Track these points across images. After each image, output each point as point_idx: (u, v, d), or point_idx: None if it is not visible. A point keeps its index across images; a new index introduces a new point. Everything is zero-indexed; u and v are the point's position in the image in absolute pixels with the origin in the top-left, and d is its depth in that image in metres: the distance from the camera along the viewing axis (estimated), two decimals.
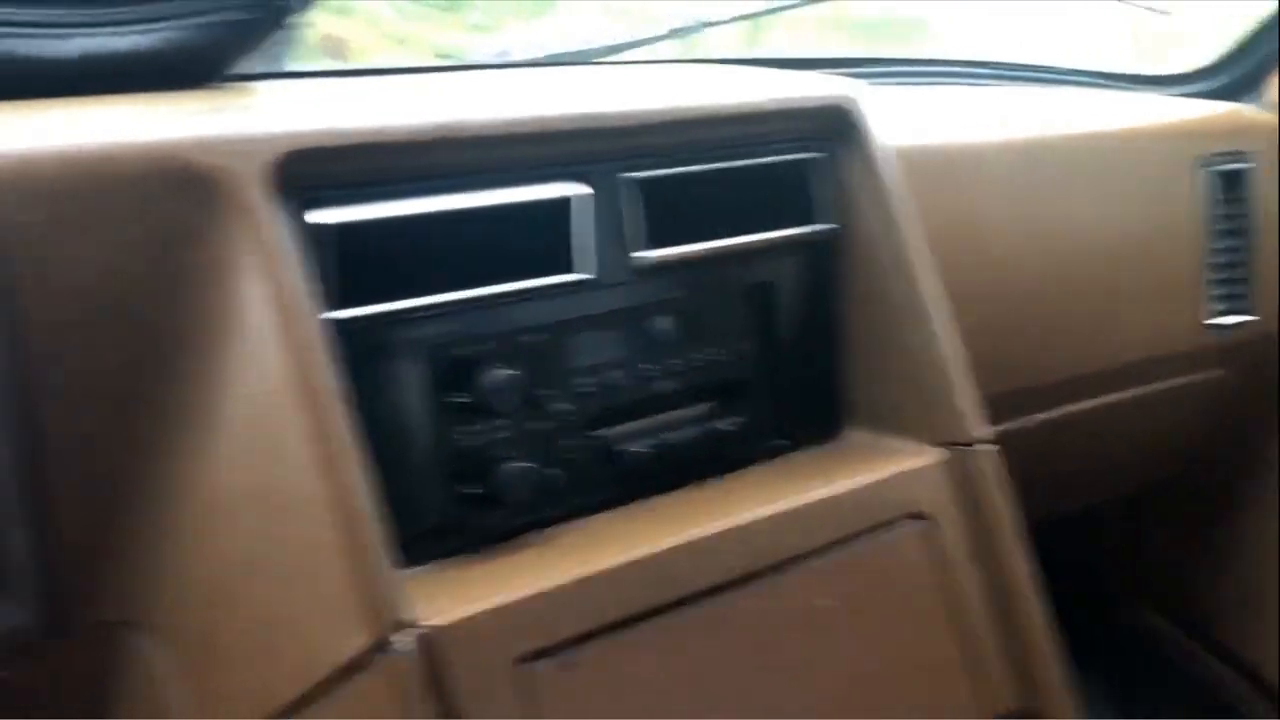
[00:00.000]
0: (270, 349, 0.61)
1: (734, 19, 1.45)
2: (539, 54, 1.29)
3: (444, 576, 0.68)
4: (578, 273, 0.76)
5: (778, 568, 0.75)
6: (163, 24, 0.75)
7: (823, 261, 0.89)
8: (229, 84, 0.82)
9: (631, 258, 0.78)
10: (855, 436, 0.90)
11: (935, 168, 1.06)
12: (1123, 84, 1.55)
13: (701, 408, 0.85)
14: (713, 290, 0.84)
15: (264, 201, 0.63)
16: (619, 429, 0.80)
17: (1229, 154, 1.32)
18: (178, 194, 0.61)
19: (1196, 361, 1.36)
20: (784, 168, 0.86)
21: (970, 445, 0.84)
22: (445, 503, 0.72)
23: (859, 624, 0.77)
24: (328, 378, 0.62)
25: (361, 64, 1.14)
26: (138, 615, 0.63)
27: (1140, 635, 1.67)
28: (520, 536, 0.74)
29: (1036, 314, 1.18)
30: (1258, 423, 1.47)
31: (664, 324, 0.82)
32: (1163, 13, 1.51)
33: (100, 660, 0.64)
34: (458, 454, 0.72)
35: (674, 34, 1.45)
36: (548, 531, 0.75)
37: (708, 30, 1.45)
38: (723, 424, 0.84)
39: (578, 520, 0.76)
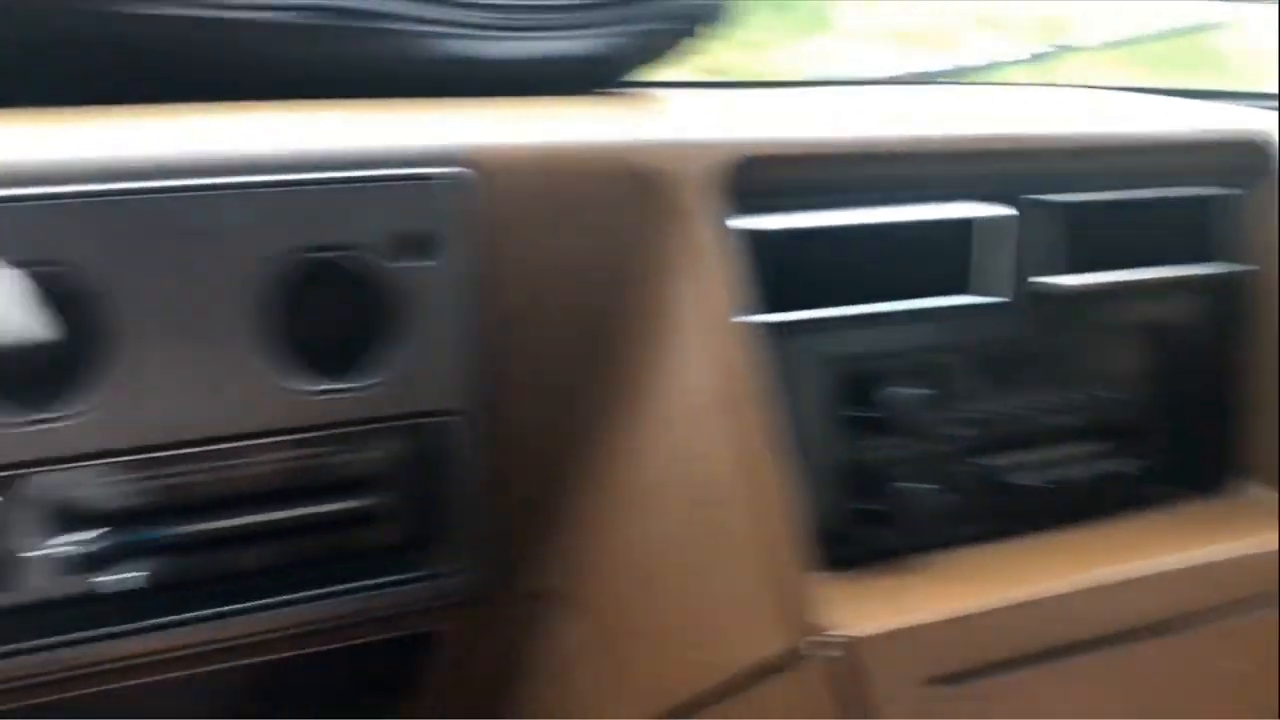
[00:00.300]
0: (702, 348, 0.63)
1: (1101, 46, 1.40)
2: (892, 73, 1.28)
3: (846, 587, 0.68)
4: (984, 295, 0.74)
5: (1170, 624, 0.70)
6: (588, 31, 0.78)
7: (1234, 304, 0.83)
8: (629, 90, 0.86)
9: (1039, 284, 0.76)
10: (1252, 493, 0.83)
11: None
12: None
13: (1093, 446, 0.81)
14: (1113, 324, 0.81)
15: (701, 206, 0.64)
16: (1010, 458, 0.78)
17: None
18: (629, 194, 0.64)
19: None
20: (1194, 202, 0.82)
21: None
22: (841, 515, 0.71)
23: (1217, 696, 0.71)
24: (754, 380, 0.63)
25: (719, 78, 1.16)
26: (564, 588, 0.65)
27: None
28: (917, 556, 0.72)
29: None
30: None
31: (1063, 355, 0.79)
32: None
33: (525, 626, 0.67)
34: (856, 468, 0.72)
35: (1035, 59, 1.42)
36: (943, 555, 0.73)
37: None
38: (1113, 465, 0.80)
39: (969, 547, 0.74)
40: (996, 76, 1.34)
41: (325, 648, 0.62)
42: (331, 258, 0.57)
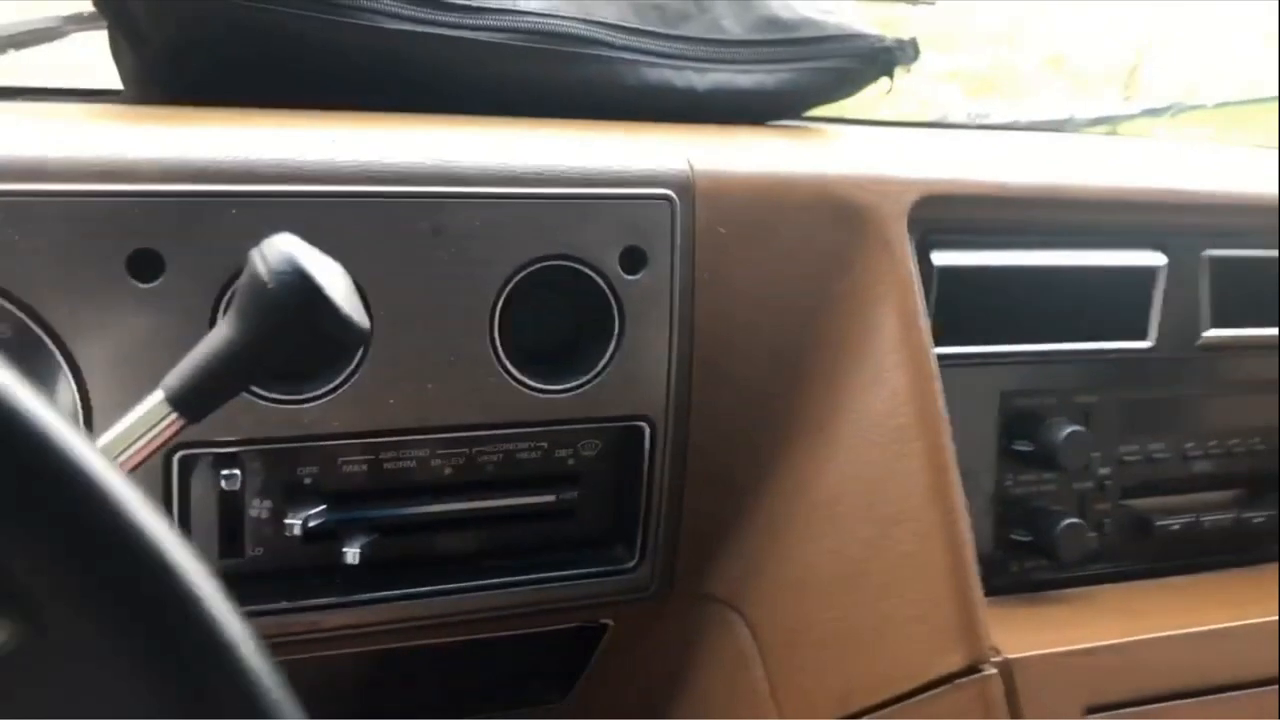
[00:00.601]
0: (896, 374, 0.66)
1: (1216, 106, 1.42)
2: (1019, 119, 1.31)
3: (1006, 612, 0.70)
4: (1145, 341, 0.77)
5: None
6: (783, 66, 0.82)
7: None
8: (807, 123, 0.89)
9: (1197, 333, 0.79)
10: None
11: None
12: None
13: (1231, 494, 0.83)
14: (1261, 377, 0.83)
15: (902, 238, 0.68)
16: (1153, 501, 0.80)
17: None
18: (834, 224, 0.67)
19: None
20: None
21: None
22: (996, 543, 0.74)
23: None
24: (942, 408, 0.66)
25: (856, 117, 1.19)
26: (738, 596, 0.69)
27: None
28: (1063, 590, 0.75)
29: None
30: None
31: (1213, 405, 0.82)
32: None
33: (697, 628, 0.70)
34: (1015, 500, 0.75)
35: (1146, 113, 1.45)
36: (1087, 589, 0.76)
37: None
38: (1252, 514, 0.82)
39: (1114, 584, 0.77)
40: (1116, 128, 1.36)
41: (516, 632, 0.66)
42: (561, 266, 0.61)
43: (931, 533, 0.64)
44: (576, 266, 0.61)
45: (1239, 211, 0.80)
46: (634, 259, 0.62)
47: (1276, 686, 0.71)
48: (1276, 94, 1.36)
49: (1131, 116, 1.41)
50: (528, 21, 0.76)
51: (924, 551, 0.64)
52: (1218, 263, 0.79)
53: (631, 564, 0.66)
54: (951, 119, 1.34)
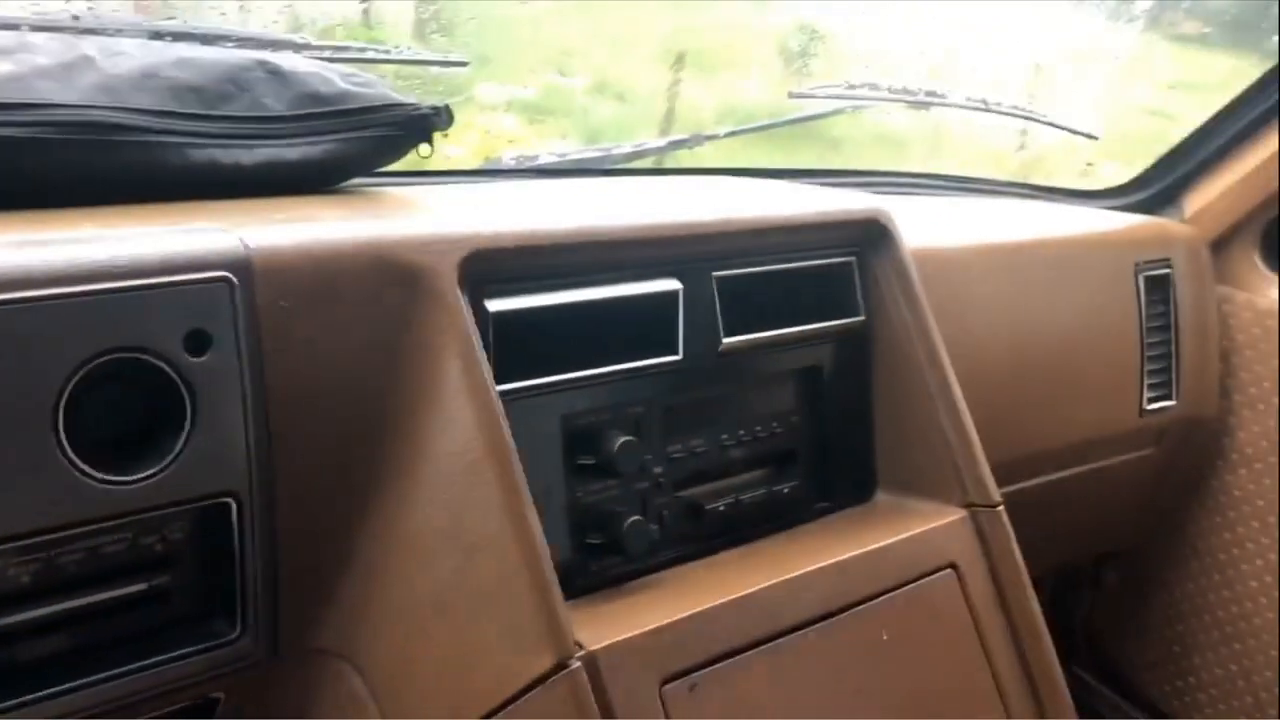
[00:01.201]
0: (464, 414, 0.73)
1: (727, 135, 1.63)
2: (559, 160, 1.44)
3: (586, 610, 0.80)
4: (676, 355, 0.90)
5: (850, 606, 0.88)
6: (328, 138, 0.87)
7: (857, 348, 1.04)
8: (364, 187, 0.95)
9: (716, 342, 0.93)
10: (885, 499, 1.04)
11: (922, 266, 1.23)
12: (1061, 197, 1.76)
13: (762, 472, 0.99)
14: (773, 372, 0.99)
15: (455, 293, 0.75)
16: (700, 489, 0.93)
17: (1157, 261, 1.53)
18: (393, 285, 0.73)
19: (1133, 442, 1.55)
20: (830, 269, 1.02)
21: (993, 506, 0.99)
22: (574, 549, 0.84)
23: (914, 654, 0.91)
24: (508, 438, 0.74)
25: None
26: (346, 645, 0.73)
27: (1073, 691, 1.84)
28: (635, 580, 0.86)
29: (1004, 396, 1.35)
30: (1176, 500, 1.66)
31: (737, 400, 0.96)
32: (1091, 137, 1.73)
33: (308, 684, 0.73)
34: (586, 509, 0.84)
35: (672, 145, 1.63)
36: (656, 576, 0.87)
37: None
38: (780, 486, 0.98)
39: (678, 566, 0.89)
40: (644, 163, 1.52)
41: None
42: (118, 359, 0.63)
43: (511, 552, 0.72)
44: (139, 356, 0.63)
45: (738, 236, 0.94)
46: (199, 342, 0.65)
47: (812, 627, 0.86)
48: (769, 124, 1.58)
49: (661, 149, 1.59)
50: (61, 114, 0.76)
51: (506, 570, 0.72)
52: (724, 281, 0.93)
53: (233, 635, 0.69)
54: (503, 162, 1.45)
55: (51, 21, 0.94)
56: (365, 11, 2.09)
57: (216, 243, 0.67)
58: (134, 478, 0.64)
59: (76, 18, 0.96)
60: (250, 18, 1.42)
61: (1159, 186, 1.68)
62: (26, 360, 0.60)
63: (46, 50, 0.80)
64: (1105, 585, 1.80)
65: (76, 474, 0.62)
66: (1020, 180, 1.72)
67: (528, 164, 1.41)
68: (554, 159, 1.45)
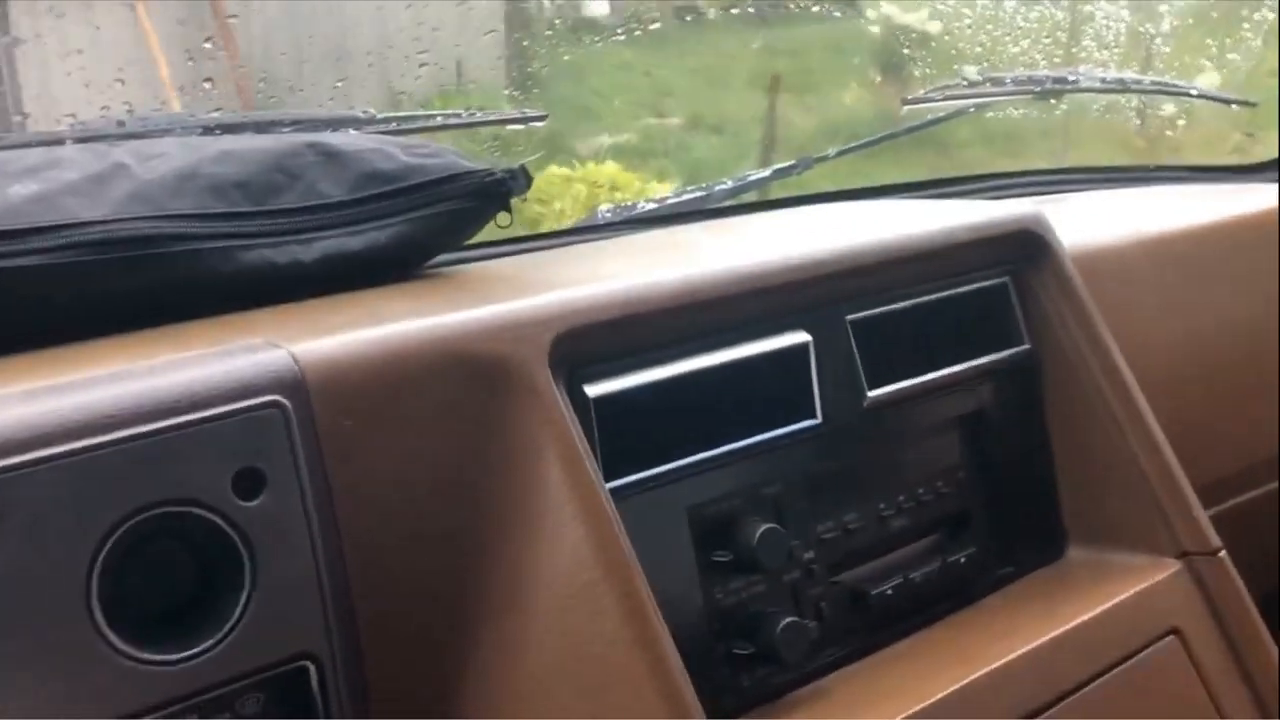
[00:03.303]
0: (572, 526, 0.62)
1: (838, 154, 1.49)
2: (658, 206, 1.32)
3: None
4: (814, 418, 0.77)
5: (1056, 701, 0.73)
6: (394, 220, 0.77)
7: (1026, 383, 0.89)
8: (438, 270, 0.85)
9: (860, 397, 0.79)
10: (1080, 555, 0.89)
11: (1082, 270, 1.07)
12: (1214, 176, 1.57)
13: (931, 541, 0.84)
14: (930, 424, 0.85)
15: (548, 381, 0.64)
16: (861, 571, 0.80)
17: None
18: (471, 382, 0.62)
19: None
20: (982, 294, 0.87)
21: (1214, 553, 0.83)
22: (719, 663, 0.71)
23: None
24: (627, 549, 0.62)
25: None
26: None
27: None
28: (795, 691, 0.73)
29: (1197, 410, 1.17)
30: None
31: (892, 462, 0.82)
32: (1250, 104, 1.55)
33: None
34: (724, 612, 0.72)
35: (777, 174, 1.50)
36: (819, 684, 0.74)
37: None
38: (955, 556, 0.83)
39: (842, 669, 0.75)
40: (748, 196, 1.40)
41: None
42: (154, 517, 0.53)
43: (644, 689, 0.60)
44: (182, 509, 0.53)
45: (870, 270, 0.81)
46: (251, 482, 0.55)
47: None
48: (884, 136, 1.44)
49: (766, 180, 1.46)
50: (92, 233, 0.67)
51: (642, 707, 0.60)
52: (860, 325, 0.80)
53: None
54: (598, 218, 1.34)
55: (96, 132, 0.87)
56: (458, 74, 2.03)
57: (261, 361, 0.57)
58: (189, 653, 0.54)
59: (121, 123, 0.88)
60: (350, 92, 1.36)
61: None
62: (44, 532, 0.50)
63: (76, 163, 0.71)
64: None
65: (121, 658, 0.52)
66: (1171, 164, 1.55)
67: (624, 215, 1.30)
68: (652, 206, 1.33)
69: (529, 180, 0.79)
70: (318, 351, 0.59)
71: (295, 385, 0.57)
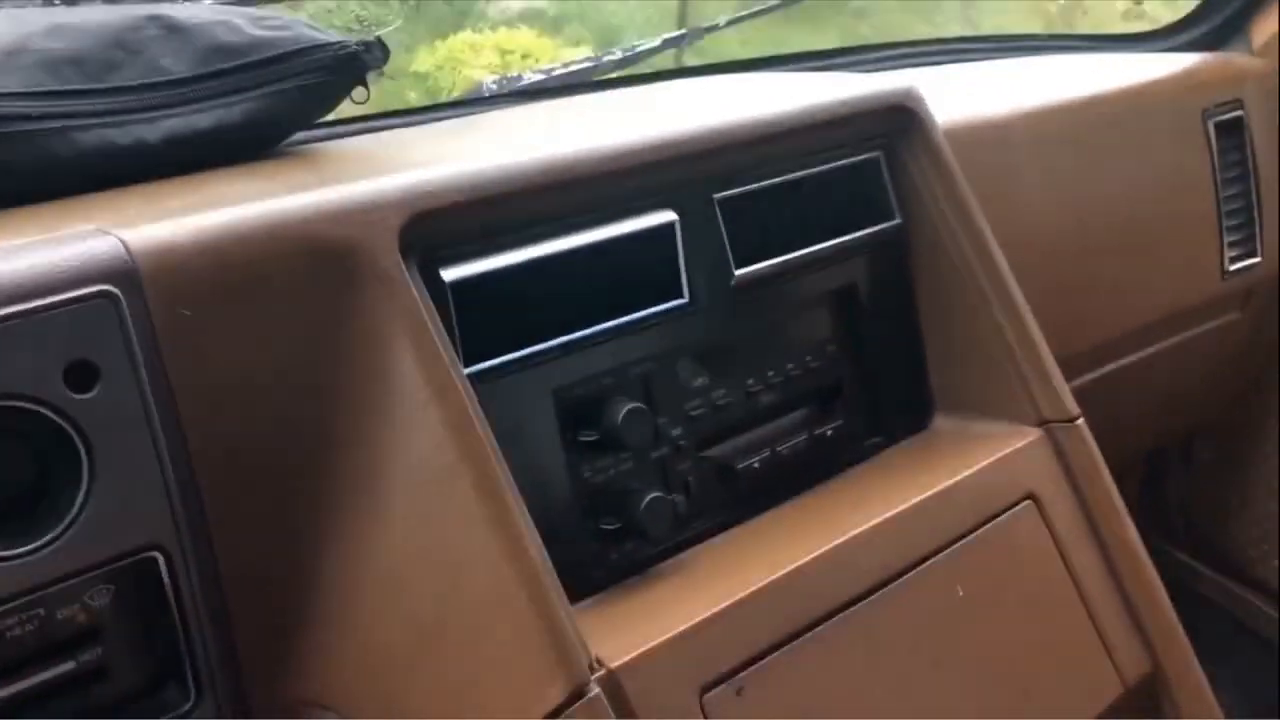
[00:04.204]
0: (428, 412, 0.61)
1: (728, 24, 1.46)
2: (544, 78, 1.29)
3: (604, 611, 0.68)
4: (682, 298, 0.77)
5: (915, 564, 0.76)
6: (242, 95, 0.74)
7: (896, 258, 0.90)
8: (295, 149, 0.82)
9: (728, 276, 0.79)
10: (946, 424, 0.91)
11: (963, 144, 1.07)
12: (1108, 46, 1.58)
13: (800, 415, 0.86)
14: (799, 300, 0.85)
15: (399, 266, 0.62)
16: (729, 445, 0.81)
17: (1228, 103, 1.35)
18: (318, 269, 0.61)
19: (1217, 308, 1.39)
20: (854, 169, 0.87)
21: (1071, 421, 0.86)
22: (586, 539, 0.72)
23: (996, 608, 0.78)
24: (485, 434, 0.62)
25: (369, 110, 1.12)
26: (321, 694, 0.62)
27: (1173, 575, 1.71)
28: (661, 564, 0.74)
29: (1069, 280, 1.20)
30: (1270, 365, 1.51)
31: (761, 339, 0.83)
32: None
33: None
34: (593, 492, 0.72)
35: (666, 44, 1.47)
36: (684, 556, 0.75)
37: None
38: (824, 429, 0.85)
39: (709, 541, 0.77)
40: (636, 68, 1.37)
41: None
42: None
43: (501, 568, 0.60)
44: (10, 404, 0.52)
45: (737, 148, 0.80)
46: (84, 375, 0.54)
47: (875, 594, 0.74)
48: (768, 7, 1.41)
49: (655, 50, 1.43)
50: None
51: (499, 590, 0.61)
52: (728, 203, 0.79)
53: (188, 705, 0.58)
54: (482, 90, 1.30)
55: None
56: None
57: (90, 249, 0.55)
58: (28, 548, 0.53)
59: None
60: None
61: (1221, 17, 1.49)
62: None
63: None
64: (1199, 463, 1.66)
65: None
66: (1062, 32, 1.54)
67: (509, 88, 1.26)
68: (539, 78, 1.30)
69: (386, 53, 0.77)
70: (151, 238, 0.57)
71: (127, 274, 0.55)
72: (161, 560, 0.56)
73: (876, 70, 1.35)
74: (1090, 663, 0.81)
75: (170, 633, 0.58)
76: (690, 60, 1.58)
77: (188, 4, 0.79)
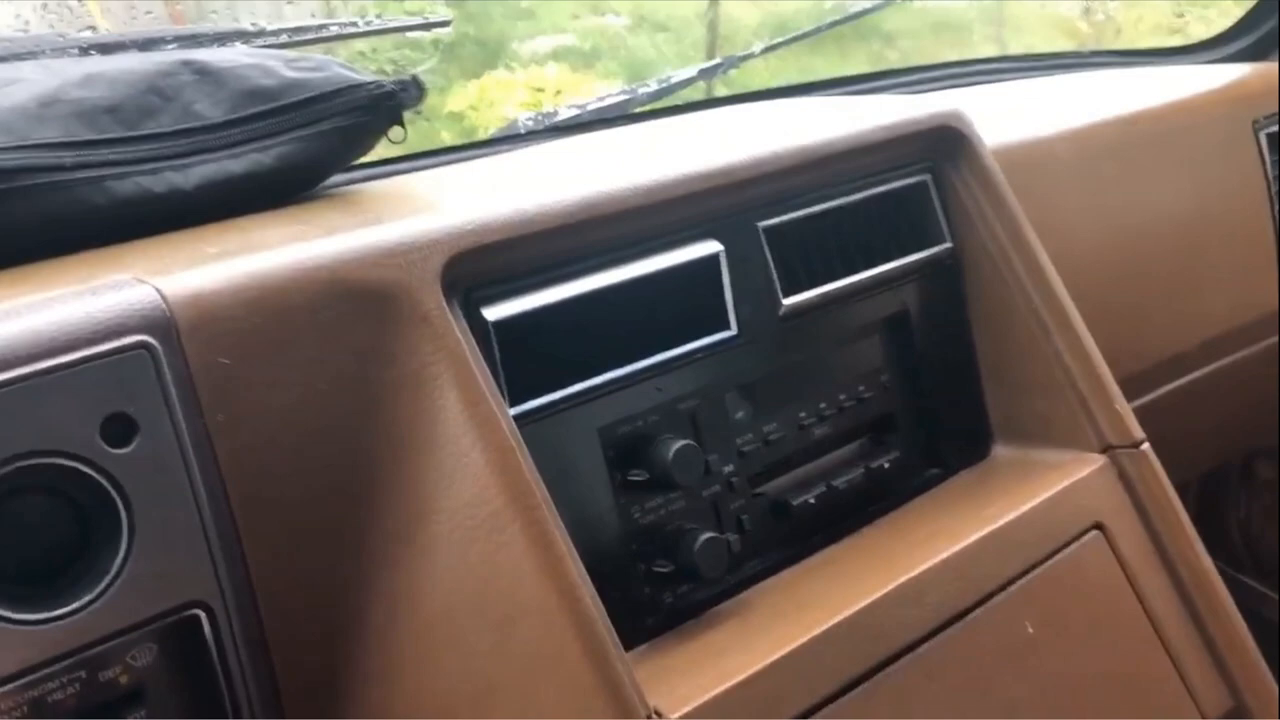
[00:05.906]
0: (473, 455, 0.59)
1: (763, 52, 1.45)
2: (579, 112, 1.28)
3: (660, 659, 0.66)
4: (729, 330, 0.74)
5: (981, 601, 0.73)
6: (279, 139, 0.73)
7: (948, 283, 0.87)
8: (330, 192, 0.81)
9: (775, 306, 0.77)
10: (1006, 453, 0.88)
11: (1008, 164, 1.04)
12: (1150, 60, 1.55)
13: (854, 447, 0.83)
14: (850, 329, 0.83)
15: (441, 307, 0.61)
16: (782, 481, 0.78)
17: (1278, 114, 1.32)
18: (359, 312, 0.59)
19: (1274, 325, 1.35)
20: (902, 193, 0.85)
21: (1136, 447, 0.82)
22: (638, 582, 0.70)
23: (1068, 644, 0.75)
24: (533, 477, 0.60)
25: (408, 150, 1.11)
26: None
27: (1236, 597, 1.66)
28: (717, 607, 0.72)
29: (1122, 300, 1.17)
30: None
31: (812, 370, 0.81)
32: None
33: None
34: (642, 531, 0.70)
35: (702, 75, 1.45)
36: (741, 598, 0.73)
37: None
38: (879, 461, 0.82)
39: (765, 581, 0.74)
40: (671, 99, 1.36)
41: None
42: (16, 471, 0.50)
43: (554, 619, 0.58)
44: (47, 461, 0.50)
45: (781, 175, 0.78)
46: (121, 428, 0.52)
47: (943, 633, 0.71)
48: (809, 31, 1.39)
49: (689, 81, 1.41)
50: None
51: (551, 642, 0.58)
52: (773, 232, 0.77)
53: None
54: (518, 126, 1.29)
55: None
56: None
57: (125, 300, 0.54)
58: (69, 609, 0.51)
59: None
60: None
61: (1268, 26, 1.46)
62: None
63: None
64: (1260, 483, 1.61)
65: None
66: (1102, 49, 1.52)
67: (545, 123, 1.25)
68: (574, 112, 1.29)
69: (422, 90, 0.75)
70: (187, 286, 0.55)
71: (163, 323, 0.54)
72: (205, 617, 0.54)
73: (914, 93, 1.33)
74: (1168, 700, 0.77)
75: (214, 691, 0.56)
76: (720, 92, 1.57)
77: (221, 49, 0.78)
